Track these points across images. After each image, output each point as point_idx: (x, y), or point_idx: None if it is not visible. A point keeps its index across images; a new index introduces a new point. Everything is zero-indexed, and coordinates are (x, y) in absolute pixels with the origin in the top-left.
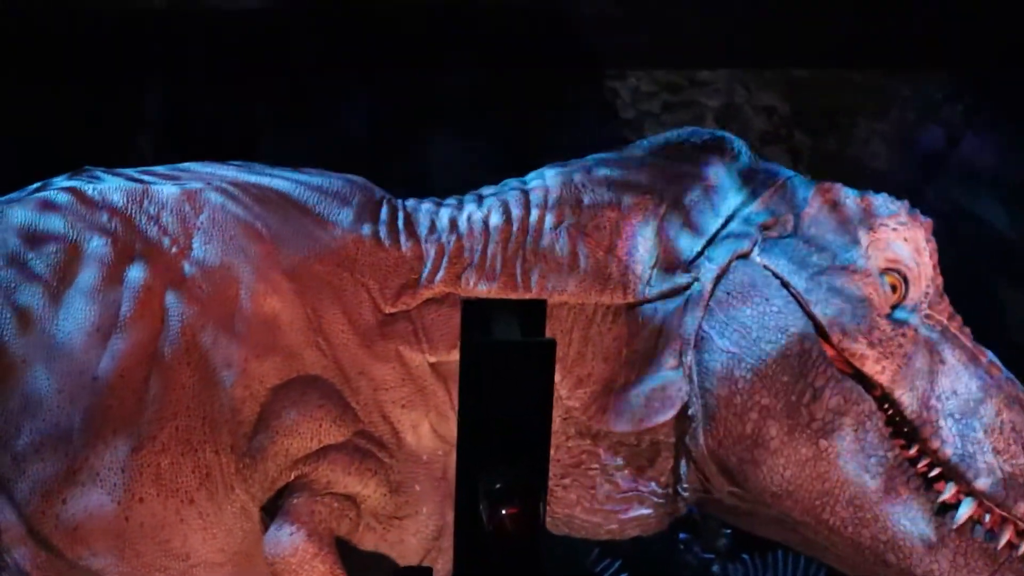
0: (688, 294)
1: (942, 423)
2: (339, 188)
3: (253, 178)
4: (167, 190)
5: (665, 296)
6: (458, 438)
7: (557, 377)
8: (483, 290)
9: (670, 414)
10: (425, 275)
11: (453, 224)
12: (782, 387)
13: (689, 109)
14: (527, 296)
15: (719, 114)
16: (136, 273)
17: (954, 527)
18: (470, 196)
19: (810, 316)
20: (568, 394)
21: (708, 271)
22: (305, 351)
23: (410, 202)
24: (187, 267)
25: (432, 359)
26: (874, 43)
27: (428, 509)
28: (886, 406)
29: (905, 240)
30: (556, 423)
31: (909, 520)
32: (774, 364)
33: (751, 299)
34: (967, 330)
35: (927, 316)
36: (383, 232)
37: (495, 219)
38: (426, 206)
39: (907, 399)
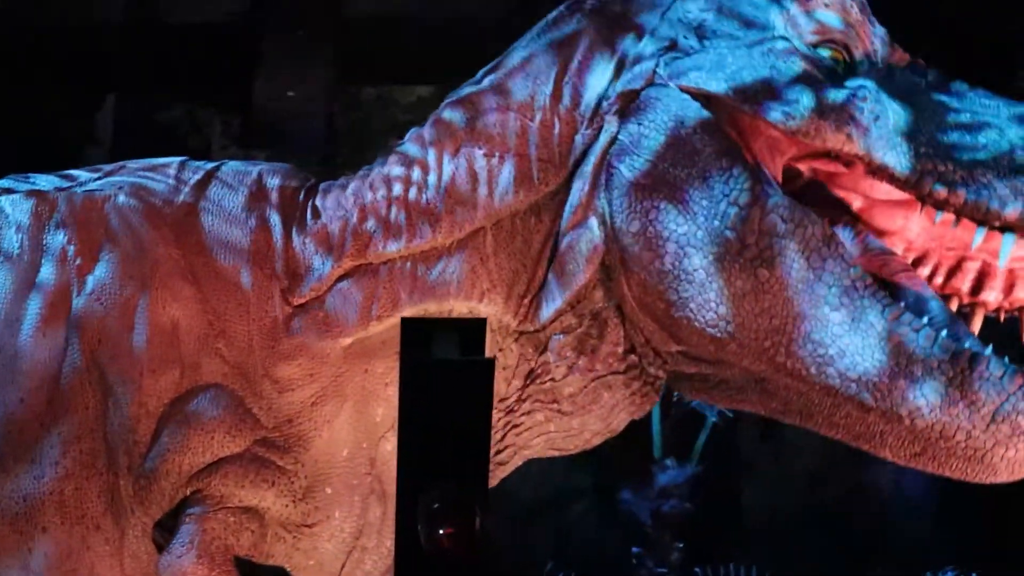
0: (594, 147)
1: (942, 167)
2: (252, 179)
3: (163, 177)
4: (76, 198)
5: (578, 163)
6: (398, 457)
7: (502, 307)
8: (393, 250)
9: (590, 269)
10: (333, 254)
11: (356, 195)
12: (702, 211)
13: None
14: (442, 240)
15: None
16: (38, 292)
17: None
18: (376, 162)
19: (735, 121)
20: (514, 318)
21: (608, 114)
22: (204, 360)
23: (332, 183)
24: (90, 281)
25: (347, 340)
26: None
27: (341, 512)
28: (878, 177)
29: (826, 6)
30: (514, 352)
31: (882, 354)
32: (691, 188)
33: (663, 125)
34: (932, 71)
35: (886, 72)
36: (293, 220)
37: (392, 173)
38: (339, 183)
39: (891, 159)
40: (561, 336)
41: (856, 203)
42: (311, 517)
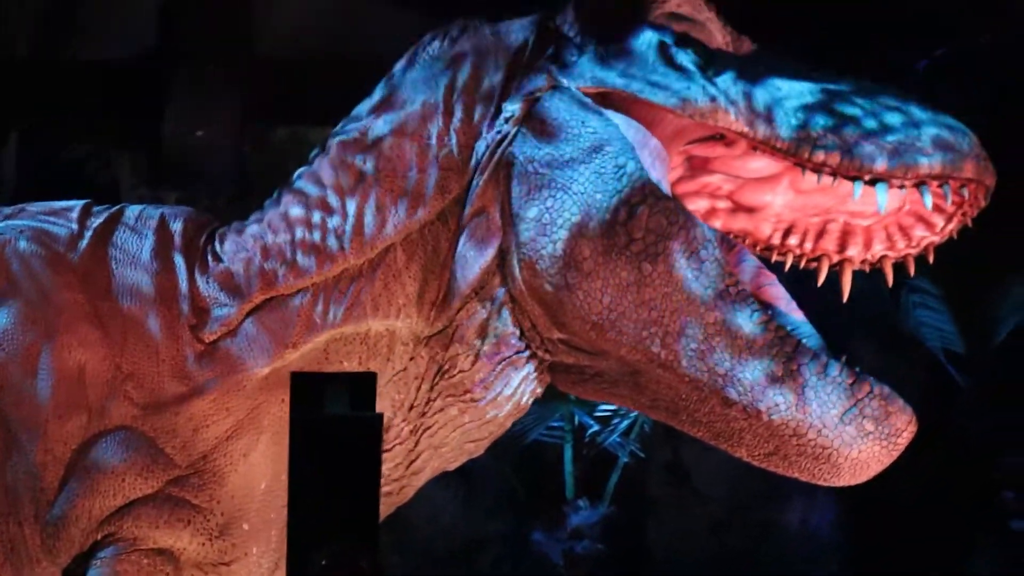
0: (498, 152)
1: (816, 133)
2: (155, 223)
3: (65, 222)
4: None
5: (479, 166)
6: (288, 513)
7: (416, 319)
8: (303, 280)
9: (489, 251)
10: (241, 291)
11: (256, 237)
12: (594, 205)
13: None
14: (353, 262)
15: None
16: None
17: (799, 361)
18: (270, 199)
19: (644, 105)
20: (427, 325)
21: (504, 126)
22: (112, 404)
23: (228, 228)
24: None
25: (263, 371)
26: None
27: (259, 548)
28: (761, 150)
29: (679, 6)
30: (424, 358)
31: (748, 353)
32: (585, 182)
33: (557, 123)
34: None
35: (743, 60)
36: (197, 260)
37: (291, 210)
38: (235, 227)
39: (772, 131)
40: (467, 323)
41: (727, 186)
42: (228, 555)
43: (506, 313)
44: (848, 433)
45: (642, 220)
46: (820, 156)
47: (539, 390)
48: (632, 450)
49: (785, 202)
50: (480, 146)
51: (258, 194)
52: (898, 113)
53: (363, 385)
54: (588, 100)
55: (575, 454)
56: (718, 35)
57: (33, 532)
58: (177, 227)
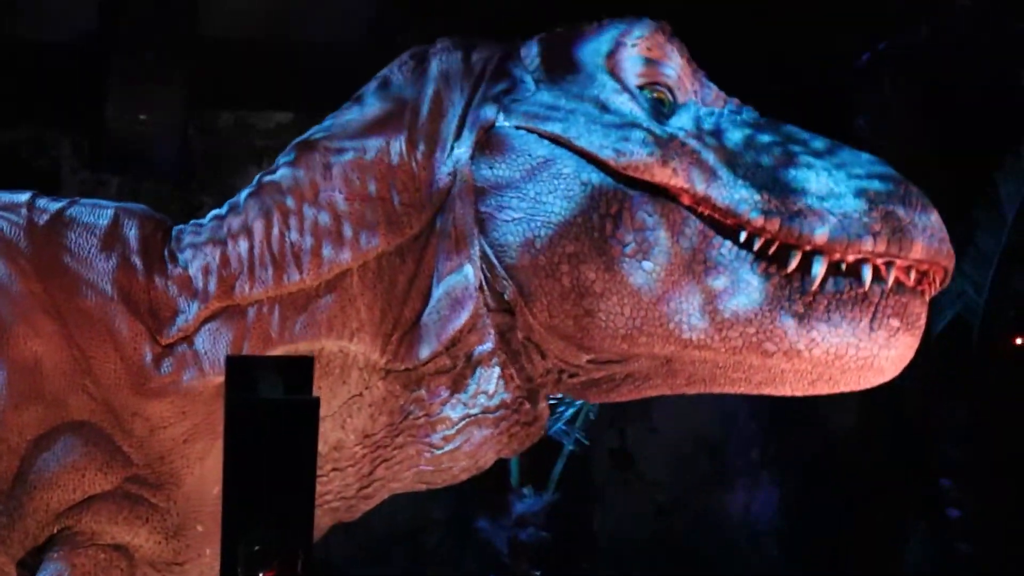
0: (453, 192)
1: (758, 196)
2: (108, 220)
3: (13, 215)
4: None
5: (437, 209)
6: (223, 498)
7: (370, 346)
8: (259, 292)
9: (465, 314)
10: (198, 297)
11: (213, 241)
12: (580, 228)
13: None
14: (309, 282)
15: None
16: None
17: (813, 290)
18: (228, 203)
19: (579, 152)
20: (381, 356)
21: (461, 158)
22: (70, 396)
23: (188, 225)
24: None
25: (219, 379)
26: None
27: (212, 550)
28: (701, 209)
29: (648, 51)
30: (380, 389)
31: (768, 304)
32: (562, 211)
33: (515, 162)
34: (746, 109)
35: (707, 112)
36: (154, 263)
37: (252, 218)
38: (191, 227)
39: (714, 192)
40: (436, 376)
41: None
42: (182, 555)
43: (482, 371)
44: (881, 337)
45: (627, 223)
46: (759, 221)
47: (504, 453)
48: (577, 438)
49: None
50: (436, 185)
51: (203, 180)
52: (852, 181)
53: (299, 369)
54: (527, 133)
55: None
56: (687, 81)
57: None
58: (131, 225)
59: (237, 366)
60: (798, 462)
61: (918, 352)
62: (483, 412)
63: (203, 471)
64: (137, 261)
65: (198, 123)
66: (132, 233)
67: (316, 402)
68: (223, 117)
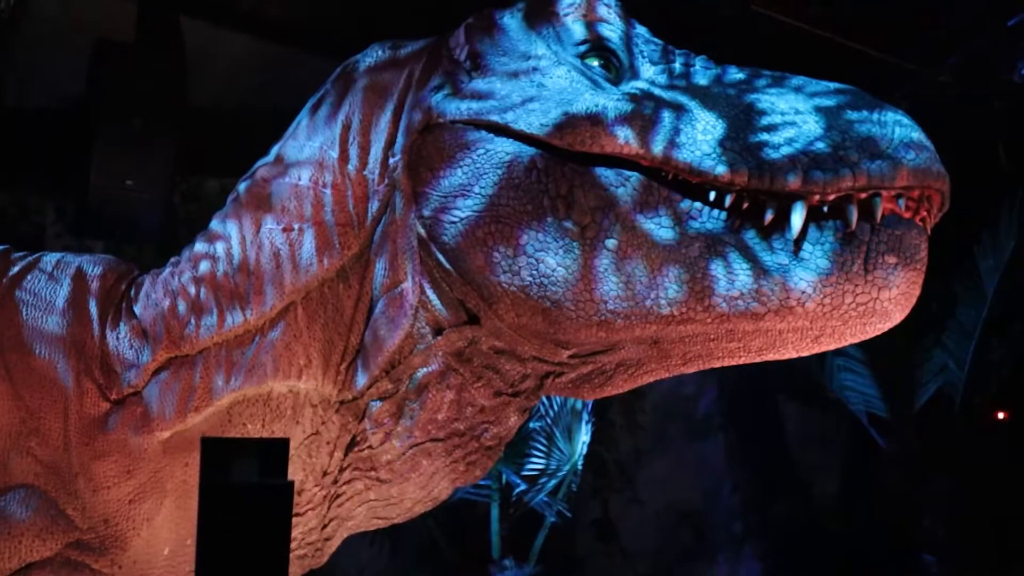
0: (392, 203)
1: (724, 154)
2: (73, 271)
3: None
4: None
5: (377, 221)
6: None
7: (321, 380)
8: (206, 338)
9: (399, 333)
10: (148, 346)
11: (165, 283)
12: (532, 216)
13: None
14: (253, 321)
15: None
16: None
17: (795, 239)
18: (185, 247)
19: (520, 137)
20: (333, 387)
21: (397, 167)
22: (14, 460)
23: (145, 275)
24: None
25: (165, 434)
26: None
27: None
28: (664, 172)
29: (584, 17)
30: (335, 424)
31: (750, 260)
32: (511, 202)
33: (455, 160)
34: (698, 58)
35: (657, 69)
36: (112, 313)
37: (200, 264)
38: (152, 272)
39: (674, 152)
40: (378, 402)
41: None
42: None
43: (427, 395)
44: (879, 277)
45: (581, 202)
46: (727, 176)
47: (459, 483)
48: (559, 509)
49: None
50: (373, 198)
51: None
52: (825, 116)
53: (275, 452)
54: (469, 128)
55: (502, 513)
56: (630, 41)
57: None
58: (95, 276)
59: (212, 448)
60: (780, 536)
61: (901, 425)
62: (430, 440)
63: (151, 532)
64: (95, 313)
65: (184, 189)
66: (94, 285)
67: (290, 486)
68: (209, 184)
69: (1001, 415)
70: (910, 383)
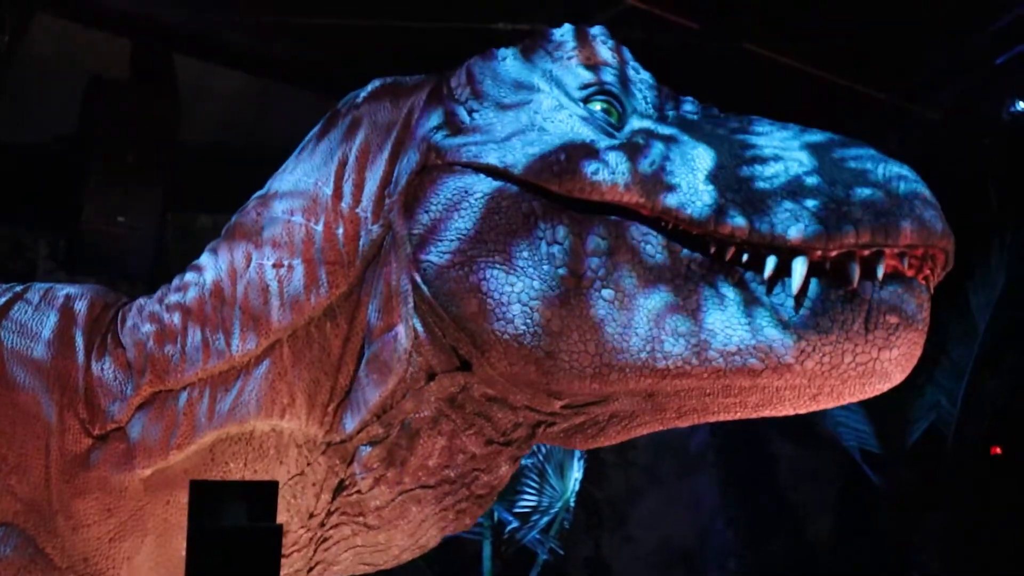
0: (386, 245)
1: (722, 201)
2: (60, 302)
3: None
4: None
5: (368, 263)
6: None
7: (306, 420)
8: (191, 374)
9: (393, 378)
10: (132, 381)
11: (152, 316)
12: (527, 263)
13: None
14: (239, 358)
15: None
16: None
17: (795, 295)
18: (176, 275)
19: (518, 182)
20: (319, 429)
21: (393, 208)
22: None
23: (131, 304)
24: None
25: (146, 472)
26: None
27: None
28: (664, 221)
29: (587, 60)
30: (322, 466)
31: (749, 315)
32: (507, 248)
33: (452, 203)
34: (702, 106)
35: (660, 117)
36: (97, 345)
37: (189, 296)
38: (137, 304)
39: (673, 201)
40: (368, 447)
41: None
42: None
43: (418, 441)
44: (880, 337)
45: (578, 250)
46: (727, 228)
47: (448, 531)
48: (552, 547)
49: None
50: (365, 237)
51: None
52: (829, 169)
53: (264, 495)
54: (469, 171)
55: (494, 550)
56: (632, 86)
57: None
58: (82, 305)
59: (201, 491)
60: (775, 572)
61: (895, 461)
62: (420, 487)
63: (131, 571)
64: (80, 344)
65: (176, 226)
66: (81, 315)
67: (279, 529)
68: (201, 220)
69: (994, 450)
70: (903, 419)
